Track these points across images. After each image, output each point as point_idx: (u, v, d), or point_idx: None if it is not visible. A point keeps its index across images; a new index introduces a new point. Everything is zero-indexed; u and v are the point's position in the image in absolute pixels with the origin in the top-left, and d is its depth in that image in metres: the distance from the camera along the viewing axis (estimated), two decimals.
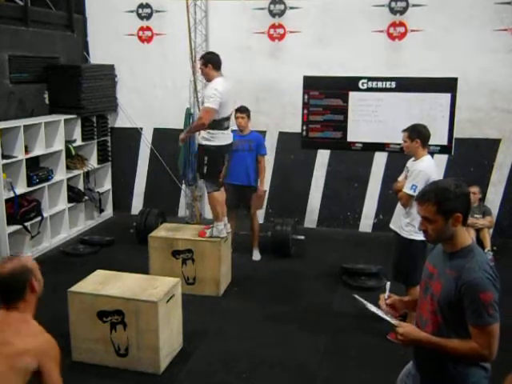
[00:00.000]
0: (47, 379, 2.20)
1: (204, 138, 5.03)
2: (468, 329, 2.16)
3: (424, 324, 2.33)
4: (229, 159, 6.07)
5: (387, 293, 2.60)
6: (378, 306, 2.53)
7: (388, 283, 2.69)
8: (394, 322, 2.35)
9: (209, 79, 5.09)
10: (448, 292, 2.19)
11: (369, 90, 6.90)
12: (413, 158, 4.43)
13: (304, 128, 7.21)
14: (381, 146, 7.01)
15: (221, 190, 5.28)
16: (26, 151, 6.06)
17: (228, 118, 5.11)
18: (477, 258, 2.20)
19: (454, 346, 2.17)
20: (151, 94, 7.56)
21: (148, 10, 7.43)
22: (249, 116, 6.07)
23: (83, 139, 7.08)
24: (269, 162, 6.84)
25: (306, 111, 7.16)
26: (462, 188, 2.22)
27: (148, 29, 7.46)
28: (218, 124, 4.98)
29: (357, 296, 2.58)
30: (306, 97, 7.13)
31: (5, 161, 5.70)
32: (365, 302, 2.51)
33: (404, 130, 4.40)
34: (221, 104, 4.89)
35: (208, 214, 7.75)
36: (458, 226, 2.21)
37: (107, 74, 7.41)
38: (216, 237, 5.20)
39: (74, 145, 6.88)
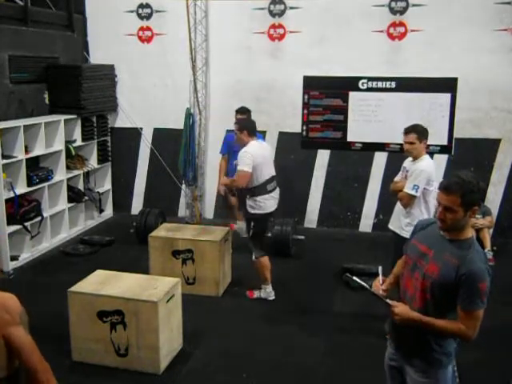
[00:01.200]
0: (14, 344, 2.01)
1: (250, 206, 4.99)
2: (454, 310, 2.34)
3: (410, 300, 2.49)
4: (229, 160, 6.12)
5: (381, 277, 2.72)
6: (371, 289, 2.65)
7: (380, 267, 2.76)
8: (390, 302, 2.48)
9: (243, 145, 5.03)
10: (446, 276, 2.33)
11: (369, 90, 6.90)
12: (410, 158, 4.40)
13: (304, 128, 7.21)
14: (381, 146, 7.01)
15: (266, 256, 5.22)
16: (26, 151, 6.06)
17: (269, 182, 5.03)
18: (477, 249, 2.37)
19: (443, 325, 2.36)
20: (151, 94, 7.56)
21: (148, 10, 7.43)
22: (249, 117, 6.06)
23: (83, 139, 7.08)
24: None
25: (305, 111, 7.17)
26: (482, 183, 2.36)
27: (148, 29, 7.46)
28: (261, 189, 4.95)
29: (354, 277, 2.68)
30: (305, 97, 7.13)
31: (5, 161, 5.70)
32: (362, 283, 2.61)
33: (408, 131, 4.30)
34: (255, 167, 4.84)
35: (208, 214, 7.77)
36: (472, 217, 2.37)
37: (107, 73, 7.41)
38: (265, 299, 5.22)
39: (74, 145, 6.88)
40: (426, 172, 4.16)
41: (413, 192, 4.11)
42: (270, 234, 6.32)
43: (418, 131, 4.27)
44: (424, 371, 2.51)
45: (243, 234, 5.36)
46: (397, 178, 4.53)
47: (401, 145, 4.48)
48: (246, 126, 5.09)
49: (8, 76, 6.20)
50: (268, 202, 5.01)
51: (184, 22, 6.91)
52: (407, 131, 4.32)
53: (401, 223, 4.34)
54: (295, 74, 7.02)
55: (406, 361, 2.58)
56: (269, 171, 5.03)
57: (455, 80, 6.64)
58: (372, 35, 6.76)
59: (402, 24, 6.70)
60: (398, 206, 4.43)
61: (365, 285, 2.58)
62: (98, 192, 7.47)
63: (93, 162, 7.36)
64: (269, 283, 5.22)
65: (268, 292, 5.23)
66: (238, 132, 5.06)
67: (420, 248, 2.50)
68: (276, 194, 5.14)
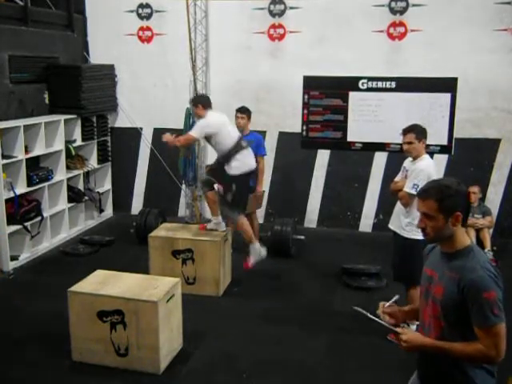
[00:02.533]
0: None
1: (230, 168, 5.15)
2: (473, 330, 2.12)
3: (427, 331, 2.30)
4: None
5: (389, 302, 2.53)
6: (377, 315, 2.47)
7: (397, 297, 2.58)
8: (397, 329, 2.31)
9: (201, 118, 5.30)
10: (451, 294, 2.16)
11: (369, 90, 6.90)
12: (410, 158, 4.40)
13: (304, 128, 7.21)
14: (381, 146, 7.01)
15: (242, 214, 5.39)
16: (26, 151, 6.06)
17: (240, 139, 5.27)
18: (477, 257, 2.17)
19: (459, 348, 2.13)
20: (151, 94, 7.56)
21: (148, 10, 7.43)
22: (249, 117, 6.08)
23: (83, 139, 7.08)
24: (268, 163, 6.87)
25: (305, 111, 7.17)
26: (462, 187, 2.22)
27: (148, 29, 7.46)
28: (237, 147, 5.15)
29: (357, 308, 2.50)
30: (306, 97, 7.13)
31: (5, 161, 5.70)
32: (366, 313, 2.45)
33: (406, 131, 4.30)
34: (221, 131, 5.13)
35: (208, 214, 7.71)
36: (457, 225, 2.19)
37: (107, 73, 7.41)
38: (258, 259, 5.31)
39: (74, 145, 6.88)
40: (426, 171, 4.16)
41: (413, 191, 4.11)
42: (269, 234, 6.34)
43: (416, 131, 4.28)
44: None
45: (221, 228, 5.43)
46: (397, 178, 4.52)
47: (401, 145, 4.47)
48: (198, 100, 5.43)
49: (8, 76, 6.20)
50: (247, 159, 5.22)
51: (184, 22, 6.91)
52: (405, 131, 4.33)
53: (401, 223, 4.34)
54: (295, 74, 7.02)
55: None
56: (235, 132, 5.31)
57: (455, 80, 6.63)
58: (372, 35, 6.76)
59: (402, 24, 6.70)
60: (398, 206, 4.43)
61: (370, 316, 2.43)
62: (98, 192, 7.47)
63: (93, 162, 7.36)
64: (255, 241, 5.33)
65: (256, 249, 5.32)
66: (194, 107, 5.40)
67: (427, 272, 2.35)
68: (251, 151, 5.33)
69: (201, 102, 5.35)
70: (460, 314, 2.15)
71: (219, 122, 5.20)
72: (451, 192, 2.17)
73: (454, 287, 2.14)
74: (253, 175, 5.56)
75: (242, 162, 5.18)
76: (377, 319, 2.43)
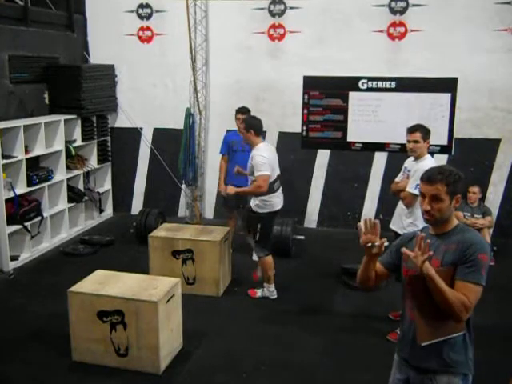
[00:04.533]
0: None
1: (258, 205, 4.99)
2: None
3: (409, 322, 2.45)
4: (229, 160, 6.11)
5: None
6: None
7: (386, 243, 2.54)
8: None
9: (251, 145, 5.02)
10: (447, 261, 2.31)
11: (369, 90, 6.90)
12: (412, 158, 4.40)
13: (304, 128, 7.21)
14: (381, 146, 7.01)
15: (270, 254, 5.22)
16: (26, 151, 6.07)
17: (276, 181, 5.07)
18: (471, 231, 2.41)
19: (450, 290, 2.23)
20: (151, 94, 7.56)
21: (148, 10, 7.43)
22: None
23: (83, 139, 7.08)
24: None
25: (305, 111, 7.17)
26: (461, 173, 2.43)
27: (148, 29, 7.46)
28: (270, 188, 4.94)
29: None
30: (306, 97, 7.13)
31: (5, 161, 5.70)
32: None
33: (413, 130, 4.31)
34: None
35: (208, 213, 7.77)
36: (456, 207, 2.40)
37: (107, 73, 7.41)
38: (267, 297, 5.23)
39: (74, 145, 6.88)
40: None
41: (416, 191, 4.11)
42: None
43: (422, 131, 4.29)
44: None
45: (272, 296, 5.27)
46: (398, 179, 4.53)
47: (401, 145, 4.48)
48: (251, 125, 4.96)
49: (8, 76, 6.20)
50: (275, 200, 5.06)
51: (184, 22, 6.91)
52: (412, 130, 4.32)
53: (403, 223, 4.34)
54: (295, 74, 7.02)
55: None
56: (277, 171, 5.09)
57: (455, 80, 6.64)
58: (372, 35, 6.76)
59: (401, 24, 6.70)
60: (400, 206, 4.43)
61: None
62: (97, 192, 7.47)
63: (93, 162, 7.36)
64: (272, 282, 5.22)
65: (271, 291, 5.23)
66: (245, 131, 4.99)
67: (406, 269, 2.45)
68: (281, 192, 5.20)
69: (254, 128, 4.93)
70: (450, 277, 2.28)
71: (271, 158, 4.94)
72: (456, 177, 2.38)
73: (452, 255, 2.31)
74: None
75: (272, 202, 5.03)
76: None
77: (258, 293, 5.26)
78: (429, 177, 2.38)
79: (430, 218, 2.39)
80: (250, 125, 4.95)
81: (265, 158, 4.83)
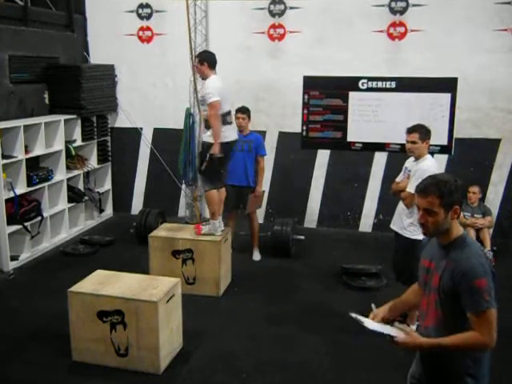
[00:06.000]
0: None
1: (210, 136, 5.08)
2: (467, 319, 2.19)
3: (424, 318, 2.41)
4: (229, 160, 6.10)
5: (374, 310, 2.68)
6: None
7: (373, 305, 2.75)
8: (392, 333, 2.35)
9: (204, 77, 5.23)
10: (446, 282, 2.24)
11: (369, 89, 6.90)
12: (412, 159, 4.40)
13: (304, 128, 7.21)
14: (381, 146, 7.01)
15: (219, 189, 5.34)
16: (26, 151, 6.06)
17: (228, 113, 5.21)
18: (470, 247, 2.27)
19: (453, 341, 2.19)
20: (151, 94, 7.56)
21: (148, 10, 7.43)
22: (249, 116, 6.07)
23: (83, 139, 7.08)
24: (268, 163, 6.86)
25: (305, 111, 7.17)
26: (459, 181, 2.30)
27: (148, 29, 7.46)
28: (223, 121, 5.08)
29: (353, 314, 2.60)
30: (306, 97, 7.13)
31: (5, 161, 5.70)
32: (361, 319, 2.56)
33: (411, 131, 4.30)
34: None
35: (208, 213, 7.74)
36: (455, 218, 2.28)
37: (107, 73, 7.41)
38: (211, 234, 5.26)
39: (74, 145, 6.88)
40: (430, 171, 4.11)
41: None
42: (269, 234, 6.34)
43: (421, 132, 4.28)
44: None
45: (217, 232, 5.33)
46: (398, 179, 4.52)
47: (401, 145, 4.48)
48: (206, 58, 5.20)
49: (8, 76, 6.20)
50: (227, 132, 5.16)
51: (184, 22, 6.90)
52: (410, 131, 4.32)
53: (403, 223, 4.34)
54: (295, 74, 7.02)
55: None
56: (228, 104, 5.23)
57: (455, 80, 6.64)
58: (372, 35, 6.76)
59: (401, 24, 6.70)
60: (400, 207, 4.42)
61: (365, 324, 2.53)
62: (97, 192, 7.47)
63: (93, 162, 7.36)
64: (216, 217, 5.28)
65: (216, 226, 5.28)
66: (199, 64, 5.19)
67: (424, 264, 2.44)
68: (234, 128, 5.34)
69: (207, 60, 5.17)
70: (454, 303, 2.22)
71: (221, 89, 5.10)
72: (451, 188, 2.25)
73: (449, 276, 2.23)
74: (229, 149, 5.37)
75: (225, 133, 5.11)
76: (373, 327, 2.51)
77: (204, 229, 5.30)
78: (421, 189, 2.30)
79: (425, 230, 2.34)
80: (204, 58, 5.20)
81: (214, 87, 5.00)
